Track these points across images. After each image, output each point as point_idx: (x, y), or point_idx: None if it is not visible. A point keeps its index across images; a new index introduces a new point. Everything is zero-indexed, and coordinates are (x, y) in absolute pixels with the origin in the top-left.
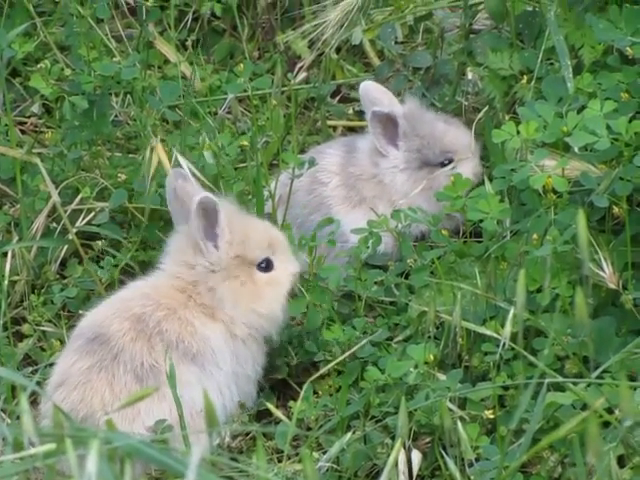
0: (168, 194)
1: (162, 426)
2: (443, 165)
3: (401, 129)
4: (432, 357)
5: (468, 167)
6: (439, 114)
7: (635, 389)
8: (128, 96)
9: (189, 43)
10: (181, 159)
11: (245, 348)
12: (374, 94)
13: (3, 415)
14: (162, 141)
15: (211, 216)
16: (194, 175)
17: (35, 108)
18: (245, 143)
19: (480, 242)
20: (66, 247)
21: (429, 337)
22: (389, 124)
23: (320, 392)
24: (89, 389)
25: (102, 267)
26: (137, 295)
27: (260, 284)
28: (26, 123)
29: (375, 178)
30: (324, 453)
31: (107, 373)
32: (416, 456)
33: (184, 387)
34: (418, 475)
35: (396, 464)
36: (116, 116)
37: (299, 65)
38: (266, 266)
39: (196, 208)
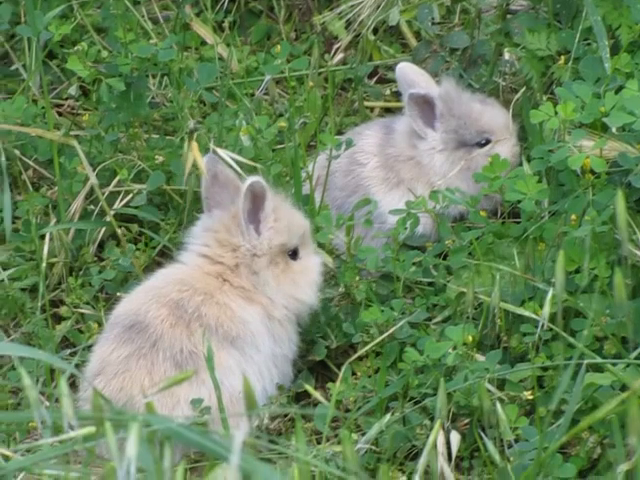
0: (205, 179)
1: (199, 406)
2: (481, 145)
3: (438, 110)
4: (471, 338)
5: (506, 147)
6: (476, 94)
7: None
8: (165, 78)
9: (226, 25)
10: (220, 151)
11: (282, 329)
12: (411, 76)
13: (42, 398)
14: (199, 123)
15: (257, 201)
16: (236, 162)
17: (72, 90)
18: (283, 124)
19: (518, 223)
20: (104, 229)
21: (467, 318)
22: (426, 106)
23: (359, 374)
24: (128, 377)
25: (140, 249)
26: (171, 281)
27: (296, 271)
28: (63, 105)
29: (413, 160)
30: (363, 435)
31: (146, 361)
32: (455, 437)
33: (224, 372)
34: (457, 456)
35: (435, 445)
36: (153, 98)
37: (336, 46)
38: (293, 254)
39: (245, 191)
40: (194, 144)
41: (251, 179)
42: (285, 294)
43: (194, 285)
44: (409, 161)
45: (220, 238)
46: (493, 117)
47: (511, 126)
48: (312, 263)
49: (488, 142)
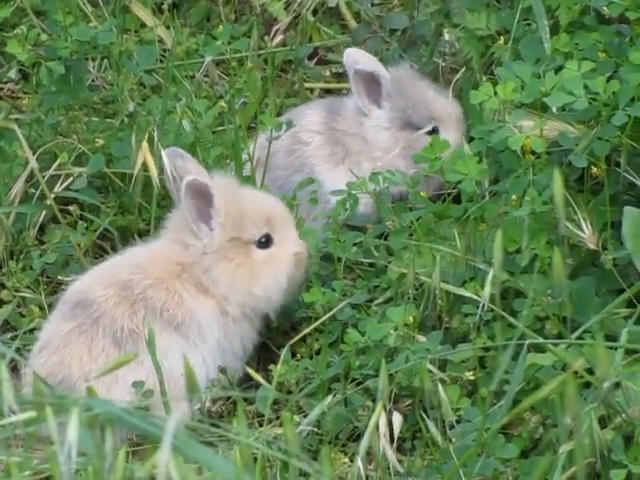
0: (166, 173)
1: (141, 389)
2: (427, 132)
3: (384, 89)
4: (412, 319)
5: (450, 136)
6: (433, 84)
7: (615, 349)
8: (105, 61)
9: (165, 7)
10: (165, 159)
11: (235, 326)
12: (358, 58)
13: None
14: (139, 105)
15: (204, 197)
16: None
17: (12, 74)
18: (223, 105)
19: (459, 203)
20: (44, 213)
21: (409, 299)
22: (372, 84)
23: (300, 355)
24: (68, 352)
25: (83, 233)
26: (126, 264)
27: (257, 263)
28: (3, 89)
29: (358, 135)
30: (305, 417)
31: (86, 337)
32: (397, 418)
33: (164, 354)
34: (399, 437)
35: (377, 427)
36: (93, 81)
37: (276, 28)
38: (266, 242)
39: (185, 189)
40: (145, 145)
41: (190, 176)
42: (240, 290)
43: (147, 270)
44: (355, 136)
45: (172, 237)
46: (444, 105)
47: (460, 117)
48: (280, 252)
49: (434, 130)
